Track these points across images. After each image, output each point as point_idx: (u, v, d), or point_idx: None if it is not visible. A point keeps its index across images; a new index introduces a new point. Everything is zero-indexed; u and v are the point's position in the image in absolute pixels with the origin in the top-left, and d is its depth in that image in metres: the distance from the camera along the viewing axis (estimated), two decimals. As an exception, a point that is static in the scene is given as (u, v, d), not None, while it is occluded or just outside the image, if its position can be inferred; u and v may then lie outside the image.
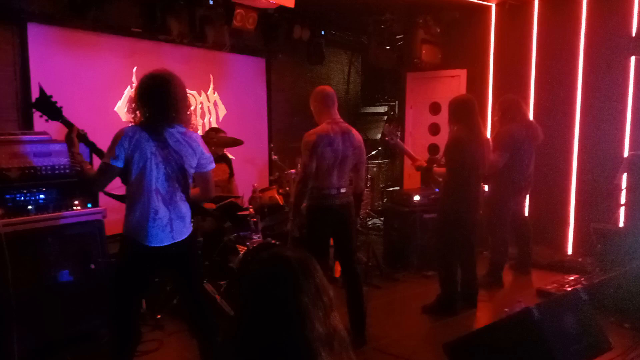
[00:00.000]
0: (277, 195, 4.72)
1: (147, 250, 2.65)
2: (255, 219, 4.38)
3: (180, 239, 2.73)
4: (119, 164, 2.59)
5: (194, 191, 2.90)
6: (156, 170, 2.63)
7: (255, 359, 1.26)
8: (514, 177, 4.80)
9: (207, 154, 2.84)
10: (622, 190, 5.04)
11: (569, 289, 4.35)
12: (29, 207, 3.32)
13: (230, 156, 5.37)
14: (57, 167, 3.45)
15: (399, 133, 4.74)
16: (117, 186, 2.78)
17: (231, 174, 4.98)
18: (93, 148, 2.93)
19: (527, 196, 5.38)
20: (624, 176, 5.00)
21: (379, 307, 4.36)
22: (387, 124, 4.95)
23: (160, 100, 2.64)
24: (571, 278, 4.73)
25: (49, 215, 3.38)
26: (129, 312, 2.75)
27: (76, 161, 2.79)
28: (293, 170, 4.82)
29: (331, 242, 3.74)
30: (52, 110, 2.85)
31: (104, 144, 2.78)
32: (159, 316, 4.00)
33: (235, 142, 4.81)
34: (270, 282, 1.30)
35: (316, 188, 3.52)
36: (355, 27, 7.12)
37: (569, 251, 5.76)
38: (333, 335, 1.29)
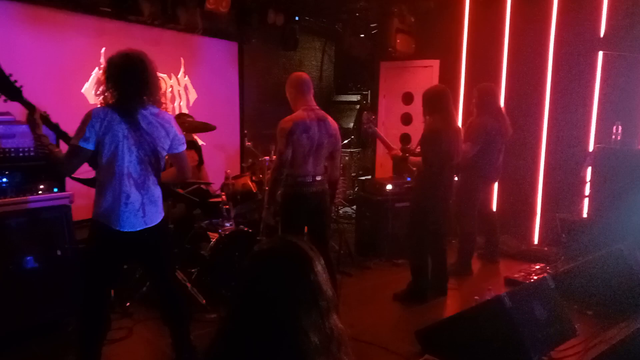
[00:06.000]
0: (250, 183, 4.66)
1: (119, 235, 2.58)
2: (227, 206, 4.32)
3: (153, 224, 2.67)
4: (90, 146, 2.49)
5: (167, 173, 2.83)
6: (128, 154, 2.55)
7: None
8: (484, 169, 4.88)
9: (180, 135, 2.77)
10: (587, 182, 5.19)
11: (536, 277, 4.47)
12: (-9, 191, 3.18)
13: (201, 142, 5.26)
14: (21, 149, 3.32)
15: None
16: (83, 170, 2.68)
17: (200, 162, 4.87)
18: (57, 130, 2.77)
19: (495, 187, 5.49)
20: (589, 169, 5.14)
21: (350, 294, 4.38)
22: (365, 112, 4.94)
23: (132, 80, 2.54)
24: (537, 267, 4.85)
25: (12, 199, 3.25)
26: (98, 300, 2.68)
27: (42, 144, 2.66)
28: (267, 158, 4.76)
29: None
30: (10, 90, 2.66)
31: (70, 127, 2.66)
32: (128, 304, 3.92)
33: (206, 127, 4.71)
34: (266, 288, 1.22)
35: (291, 176, 3.49)
36: (330, 14, 7.06)
37: (536, 241, 5.91)
38: (330, 339, 1.22)
